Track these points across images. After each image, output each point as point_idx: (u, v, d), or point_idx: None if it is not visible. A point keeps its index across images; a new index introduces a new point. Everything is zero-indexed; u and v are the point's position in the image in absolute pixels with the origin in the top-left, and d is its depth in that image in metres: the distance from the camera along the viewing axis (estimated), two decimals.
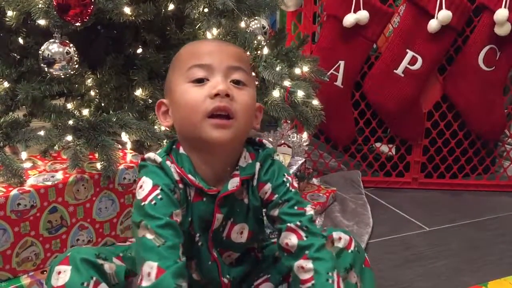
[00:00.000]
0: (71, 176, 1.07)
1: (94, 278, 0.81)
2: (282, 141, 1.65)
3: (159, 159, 0.83)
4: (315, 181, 1.77)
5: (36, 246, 1.04)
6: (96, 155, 1.12)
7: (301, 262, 0.84)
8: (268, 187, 0.88)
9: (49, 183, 1.04)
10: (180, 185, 0.83)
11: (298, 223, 0.85)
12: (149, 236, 0.77)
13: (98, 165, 1.10)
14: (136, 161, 1.16)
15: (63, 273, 0.81)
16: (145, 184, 0.81)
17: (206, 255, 0.88)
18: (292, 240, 0.85)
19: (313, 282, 0.81)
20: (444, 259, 1.34)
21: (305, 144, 1.66)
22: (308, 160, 1.82)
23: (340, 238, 0.93)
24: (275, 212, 0.87)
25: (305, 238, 0.84)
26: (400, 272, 1.27)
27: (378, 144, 1.91)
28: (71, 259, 0.82)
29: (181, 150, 0.85)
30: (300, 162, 1.61)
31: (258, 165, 0.88)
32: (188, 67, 0.82)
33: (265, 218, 0.93)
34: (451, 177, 1.89)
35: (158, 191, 0.80)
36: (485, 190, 1.87)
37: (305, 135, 1.65)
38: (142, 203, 0.79)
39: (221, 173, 0.86)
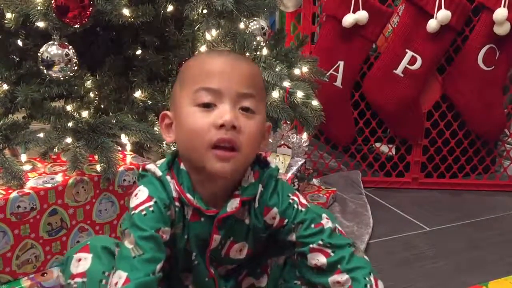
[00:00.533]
0: (71, 178, 1.07)
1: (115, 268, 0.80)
2: (282, 142, 1.65)
3: (159, 173, 0.81)
4: (315, 181, 1.77)
5: (36, 249, 1.04)
6: (96, 157, 1.12)
7: (335, 277, 0.83)
8: (275, 212, 0.85)
9: (49, 185, 1.04)
10: (177, 203, 0.81)
11: (321, 242, 0.83)
12: (128, 245, 0.75)
13: (98, 167, 1.10)
14: (136, 163, 1.16)
15: (84, 261, 0.81)
16: (141, 193, 0.79)
17: (203, 272, 0.86)
18: (320, 260, 0.83)
19: None
20: (444, 259, 1.34)
21: (305, 144, 1.66)
22: (308, 160, 1.82)
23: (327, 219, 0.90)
24: (293, 237, 0.85)
25: (332, 254, 0.83)
26: (401, 272, 1.27)
27: (378, 144, 1.91)
28: (92, 247, 0.82)
29: (182, 166, 0.83)
30: (300, 163, 1.60)
31: (260, 186, 0.85)
32: (195, 89, 0.77)
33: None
34: (451, 177, 1.89)
35: (151, 203, 0.78)
36: (485, 189, 1.87)
37: (305, 135, 1.65)
38: (132, 212, 0.78)
39: (221, 193, 0.83)
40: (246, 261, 0.91)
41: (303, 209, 0.85)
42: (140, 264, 0.74)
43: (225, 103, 0.76)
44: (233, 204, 0.82)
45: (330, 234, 0.84)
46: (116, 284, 0.73)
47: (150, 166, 0.82)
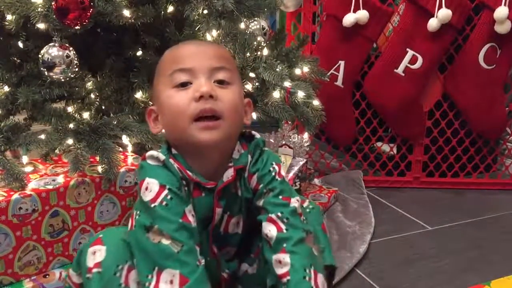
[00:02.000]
0: (72, 179, 1.07)
1: (128, 263, 0.81)
2: (283, 142, 1.65)
3: (162, 157, 0.83)
4: (316, 181, 1.76)
5: (38, 250, 1.04)
6: (97, 158, 1.12)
7: (278, 255, 0.82)
8: (255, 177, 0.88)
9: (50, 187, 1.04)
10: (183, 182, 0.83)
11: (280, 214, 0.84)
12: (165, 241, 0.76)
13: (99, 168, 1.10)
14: (137, 164, 1.16)
15: (99, 252, 0.81)
16: (151, 185, 0.80)
17: (205, 252, 0.87)
18: (271, 231, 0.84)
19: (288, 277, 0.80)
20: (446, 258, 1.34)
21: (306, 144, 1.66)
22: (309, 160, 1.82)
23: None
24: (260, 202, 0.87)
25: (284, 231, 0.83)
26: (403, 271, 1.26)
27: (379, 144, 1.90)
28: (105, 239, 0.83)
29: (174, 151, 0.86)
30: (301, 163, 1.60)
31: (249, 157, 0.88)
32: (170, 72, 0.82)
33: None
34: (452, 176, 1.88)
35: (166, 191, 0.80)
36: (487, 188, 1.87)
37: (306, 135, 1.65)
38: (152, 205, 0.79)
39: (216, 168, 0.86)
40: (243, 243, 0.93)
41: (278, 179, 0.87)
42: (186, 257, 0.76)
43: (200, 78, 0.81)
44: (228, 174, 0.86)
45: (292, 212, 0.85)
46: (171, 282, 0.74)
47: (152, 153, 0.84)
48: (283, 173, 0.89)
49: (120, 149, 1.17)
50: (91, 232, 1.11)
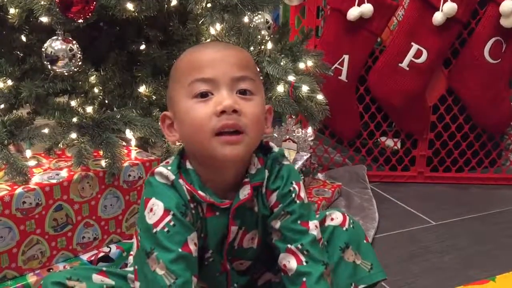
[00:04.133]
0: (76, 173, 1.07)
1: None
2: (287, 137, 1.64)
3: (172, 177, 0.79)
4: (320, 176, 1.76)
5: (42, 244, 1.04)
6: (101, 152, 1.12)
7: None
8: (275, 195, 0.84)
9: (54, 181, 1.04)
10: (192, 204, 0.80)
11: (300, 246, 0.81)
12: (160, 271, 0.74)
13: (103, 163, 1.10)
14: (141, 158, 1.16)
15: None
16: (156, 207, 0.77)
17: (215, 268, 0.86)
18: (290, 263, 0.81)
19: None
20: (451, 253, 1.34)
21: (310, 139, 1.66)
22: (313, 155, 1.81)
23: (332, 219, 0.91)
24: (277, 224, 0.84)
25: (304, 263, 0.81)
26: (407, 266, 1.26)
27: (383, 138, 1.90)
28: (43, 285, 0.81)
29: (188, 165, 0.81)
30: (305, 157, 1.60)
31: (266, 172, 0.84)
32: (189, 81, 0.77)
33: None
34: (457, 170, 1.88)
35: (170, 217, 0.76)
36: (492, 183, 1.86)
37: (310, 130, 1.64)
38: (154, 230, 0.76)
39: (231, 183, 0.83)
40: (262, 257, 0.91)
41: (298, 201, 0.84)
42: None
43: (222, 90, 0.76)
44: (244, 191, 0.82)
45: (312, 242, 0.82)
46: None
47: (161, 170, 0.80)
48: (302, 194, 0.85)
49: (124, 143, 1.17)
50: (95, 226, 1.11)
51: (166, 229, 0.76)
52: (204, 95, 0.76)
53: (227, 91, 0.76)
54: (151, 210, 0.78)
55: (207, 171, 0.81)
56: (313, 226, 0.83)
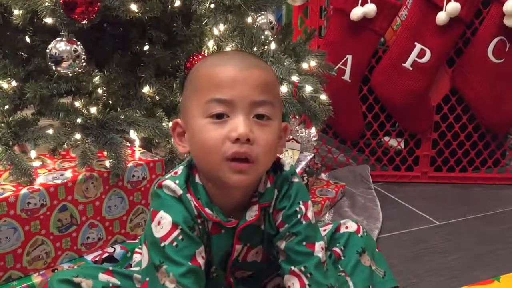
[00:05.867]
0: (80, 174, 1.07)
1: None
2: (291, 137, 1.64)
3: (179, 191, 0.78)
4: (323, 176, 1.76)
5: (47, 245, 1.05)
6: (105, 153, 1.12)
7: None
8: (281, 214, 0.83)
9: (58, 181, 1.04)
10: (199, 220, 0.80)
11: (303, 268, 0.80)
12: (170, 285, 0.74)
13: (107, 163, 1.10)
14: (145, 159, 1.16)
15: None
16: (163, 220, 0.77)
17: (219, 282, 0.86)
18: (294, 285, 0.81)
19: None
20: (455, 253, 1.33)
21: (313, 139, 1.66)
22: (317, 155, 1.81)
23: (347, 227, 0.92)
24: (282, 245, 0.83)
25: (307, 287, 0.80)
26: (411, 266, 1.26)
27: (386, 138, 1.90)
28: (49, 284, 0.81)
29: (197, 179, 0.81)
30: (309, 158, 1.60)
31: (276, 191, 0.83)
32: (206, 100, 0.74)
33: None
34: (460, 170, 1.87)
35: (178, 232, 0.76)
36: (496, 183, 1.86)
37: (313, 130, 1.64)
38: (162, 244, 0.76)
39: (239, 202, 0.82)
40: (265, 266, 0.91)
41: (304, 222, 0.82)
42: None
43: (239, 114, 0.73)
44: (252, 212, 0.81)
45: (316, 265, 0.81)
46: None
47: (169, 184, 0.79)
48: (310, 214, 0.83)
49: (128, 144, 1.17)
50: (100, 227, 1.11)
51: (174, 243, 0.76)
52: (219, 116, 0.74)
53: (243, 116, 0.73)
54: (158, 223, 0.77)
55: (215, 188, 0.80)
56: (318, 248, 0.82)
